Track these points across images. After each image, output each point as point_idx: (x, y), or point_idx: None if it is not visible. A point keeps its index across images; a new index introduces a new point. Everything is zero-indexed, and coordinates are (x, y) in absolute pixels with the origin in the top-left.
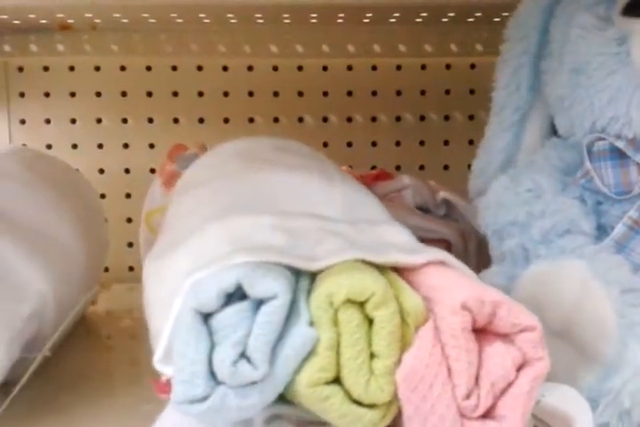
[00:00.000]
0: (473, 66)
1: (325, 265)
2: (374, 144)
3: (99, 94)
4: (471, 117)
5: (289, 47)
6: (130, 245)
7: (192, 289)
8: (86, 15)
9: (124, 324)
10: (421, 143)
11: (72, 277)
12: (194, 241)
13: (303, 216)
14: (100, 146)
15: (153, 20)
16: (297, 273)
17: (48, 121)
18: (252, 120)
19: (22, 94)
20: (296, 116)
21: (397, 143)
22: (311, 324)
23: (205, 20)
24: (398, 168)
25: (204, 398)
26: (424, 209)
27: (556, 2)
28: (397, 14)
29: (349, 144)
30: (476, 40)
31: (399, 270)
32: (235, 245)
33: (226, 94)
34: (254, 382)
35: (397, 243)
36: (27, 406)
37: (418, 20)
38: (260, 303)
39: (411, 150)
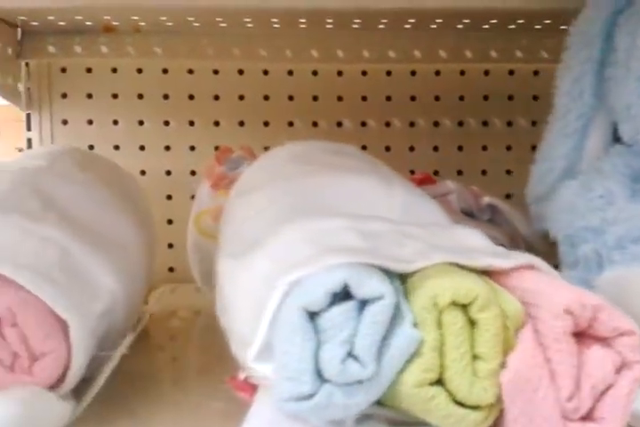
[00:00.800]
0: (512, 72)
1: (418, 267)
2: (412, 149)
3: (141, 96)
4: (509, 124)
5: (330, 52)
6: (170, 246)
7: (297, 288)
8: (132, 18)
9: (170, 324)
10: (459, 148)
11: (135, 277)
12: (271, 243)
13: (373, 219)
14: (142, 148)
15: (197, 24)
16: (386, 274)
17: (90, 122)
18: (291, 124)
19: (65, 95)
20: (335, 120)
21: (435, 148)
22: (414, 325)
23: (249, 25)
24: (436, 173)
25: (310, 396)
26: (468, 214)
27: (618, 11)
28: (440, 20)
29: (387, 148)
30: (516, 47)
31: (489, 274)
32: (318, 246)
33: (266, 98)
34: (360, 381)
35: (479, 247)
36: (97, 405)
37: (459, 26)
38: (362, 304)
39: (449, 155)
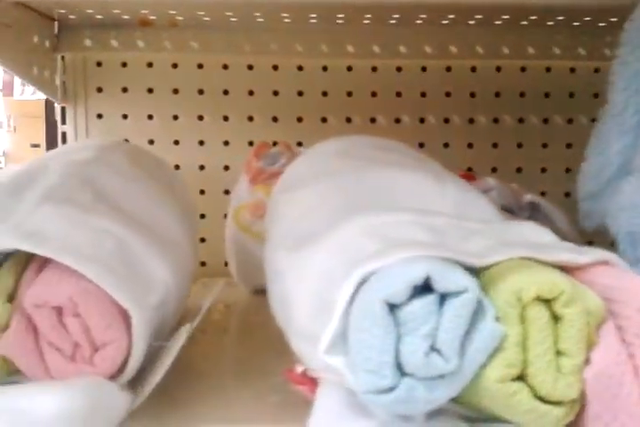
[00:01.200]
0: (548, 69)
1: (494, 261)
2: (446, 145)
3: (176, 91)
4: (545, 121)
5: (365, 48)
6: (202, 240)
7: (375, 281)
8: (170, 12)
9: (215, 317)
10: (494, 145)
11: (184, 271)
12: (330, 237)
13: (434, 214)
14: (177, 142)
15: (234, 19)
16: None
17: (125, 116)
18: (324, 120)
19: (100, 89)
20: (369, 116)
21: (470, 145)
22: (496, 319)
23: (286, 20)
24: (470, 170)
25: (391, 389)
26: (508, 211)
27: None
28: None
29: (421, 145)
30: (554, 44)
31: (564, 270)
32: (384, 240)
33: (300, 93)
34: (442, 376)
35: (549, 242)
36: (152, 397)
37: (497, 22)
38: (442, 297)
39: (483, 152)
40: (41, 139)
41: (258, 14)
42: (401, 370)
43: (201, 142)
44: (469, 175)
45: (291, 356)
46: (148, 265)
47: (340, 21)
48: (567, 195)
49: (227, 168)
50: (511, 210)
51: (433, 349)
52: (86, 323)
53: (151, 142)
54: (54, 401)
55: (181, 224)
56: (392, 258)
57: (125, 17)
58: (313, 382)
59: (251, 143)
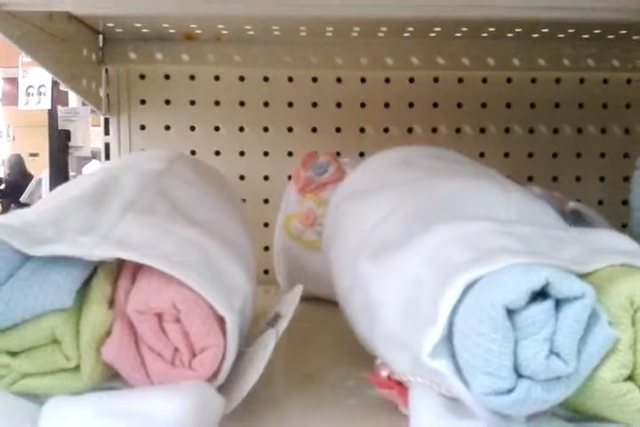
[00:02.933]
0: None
1: (595, 268)
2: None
3: (217, 103)
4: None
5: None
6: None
7: (488, 287)
8: (218, 26)
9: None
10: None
11: (254, 277)
12: (418, 246)
13: (517, 223)
14: (217, 153)
15: (278, 33)
16: None
17: (168, 128)
18: (362, 130)
19: (143, 101)
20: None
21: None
22: (610, 323)
23: (328, 34)
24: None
25: (509, 391)
26: None
27: None
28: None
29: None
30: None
31: None
32: (477, 248)
33: (339, 105)
34: (559, 377)
35: (636, 249)
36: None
37: (534, 35)
38: (557, 302)
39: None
40: (40, 148)
41: (302, 28)
42: (518, 372)
43: (241, 153)
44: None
45: (351, 360)
46: (229, 272)
47: (381, 34)
48: (600, 203)
49: (266, 178)
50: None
51: (551, 352)
52: (186, 329)
53: (193, 153)
54: (173, 405)
55: (244, 232)
56: (499, 265)
57: (171, 31)
58: (399, 386)
59: (290, 153)
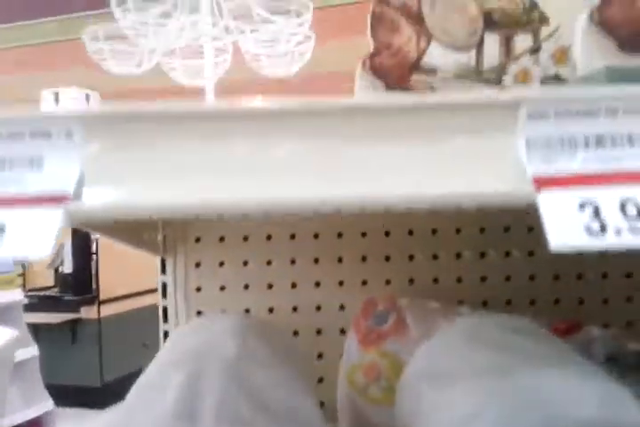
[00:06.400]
0: None
1: None
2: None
3: (269, 237)
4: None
5: None
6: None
7: None
8: None
9: None
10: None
11: None
12: None
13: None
14: (270, 286)
15: None
16: None
17: (221, 264)
18: (411, 257)
19: (198, 239)
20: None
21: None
22: None
23: None
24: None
25: None
26: (613, 359)
27: None
28: None
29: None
30: None
31: None
32: None
33: (387, 234)
34: None
35: None
36: None
37: None
38: None
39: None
40: None
41: None
42: None
43: (293, 285)
44: (574, 327)
45: None
46: None
47: None
48: (629, 324)
49: (318, 308)
50: (616, 358)
51: None
52: None
53: (246, 287)
54: None
55: (317, 408)
56: None
57: None
58: None
59: (341, 283)
